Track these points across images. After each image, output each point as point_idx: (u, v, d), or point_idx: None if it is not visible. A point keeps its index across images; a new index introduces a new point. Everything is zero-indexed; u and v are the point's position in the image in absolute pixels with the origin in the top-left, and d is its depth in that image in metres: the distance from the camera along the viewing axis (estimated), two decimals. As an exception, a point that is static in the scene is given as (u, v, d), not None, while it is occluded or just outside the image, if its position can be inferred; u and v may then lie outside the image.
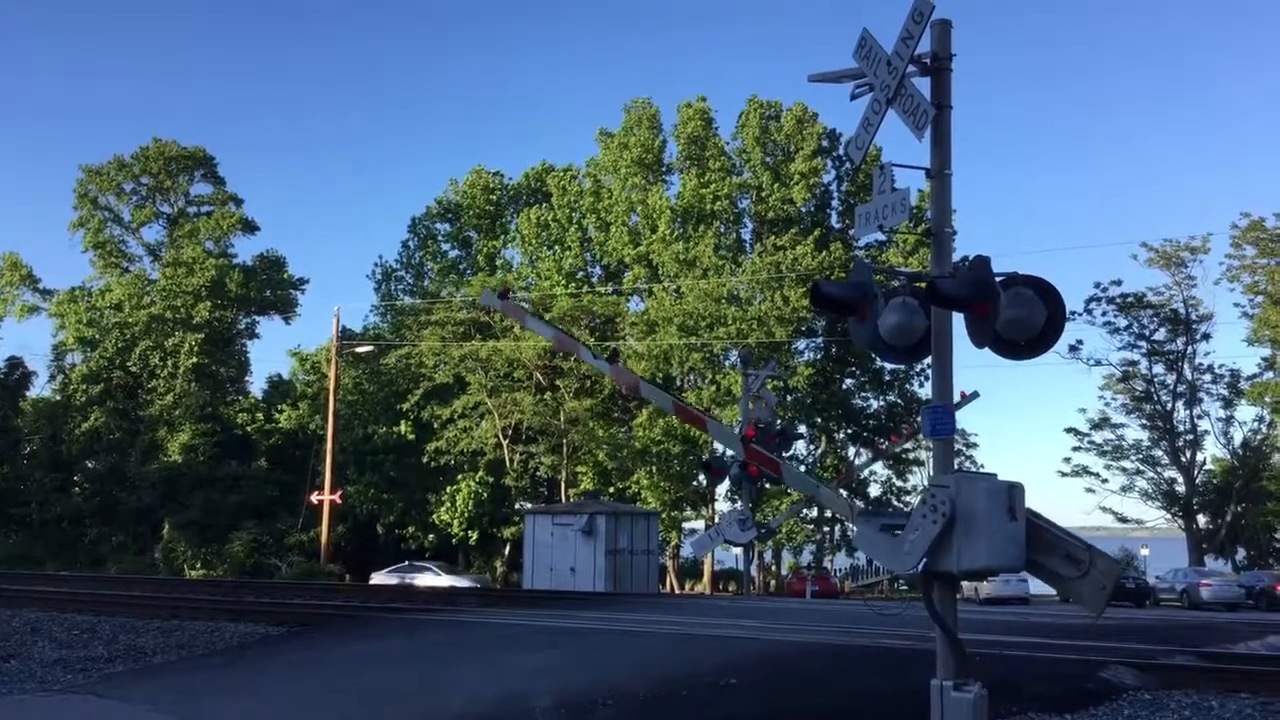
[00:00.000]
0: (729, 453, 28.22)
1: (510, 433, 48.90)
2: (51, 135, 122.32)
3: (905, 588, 43.23)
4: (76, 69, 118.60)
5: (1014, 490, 6.23)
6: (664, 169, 54.39)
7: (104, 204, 59.56)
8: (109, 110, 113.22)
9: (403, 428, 50.56)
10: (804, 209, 51.65)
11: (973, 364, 72.09)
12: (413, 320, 54.16)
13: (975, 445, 55.82)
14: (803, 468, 49.30)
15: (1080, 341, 53.81)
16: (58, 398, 59.40)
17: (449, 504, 48.63)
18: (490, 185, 61.77)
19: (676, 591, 48.15)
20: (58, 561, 48.40)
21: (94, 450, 55.99)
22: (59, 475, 56.71)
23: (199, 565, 46.64)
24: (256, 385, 61.80)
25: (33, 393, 63.33)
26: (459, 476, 48.64)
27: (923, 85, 6.87)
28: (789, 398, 48.02)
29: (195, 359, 54.63)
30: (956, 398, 7.43)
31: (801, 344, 51.18)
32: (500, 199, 62.24)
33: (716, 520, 41.59)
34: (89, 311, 58.04)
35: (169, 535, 48.35)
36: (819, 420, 51.28)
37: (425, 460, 48.47)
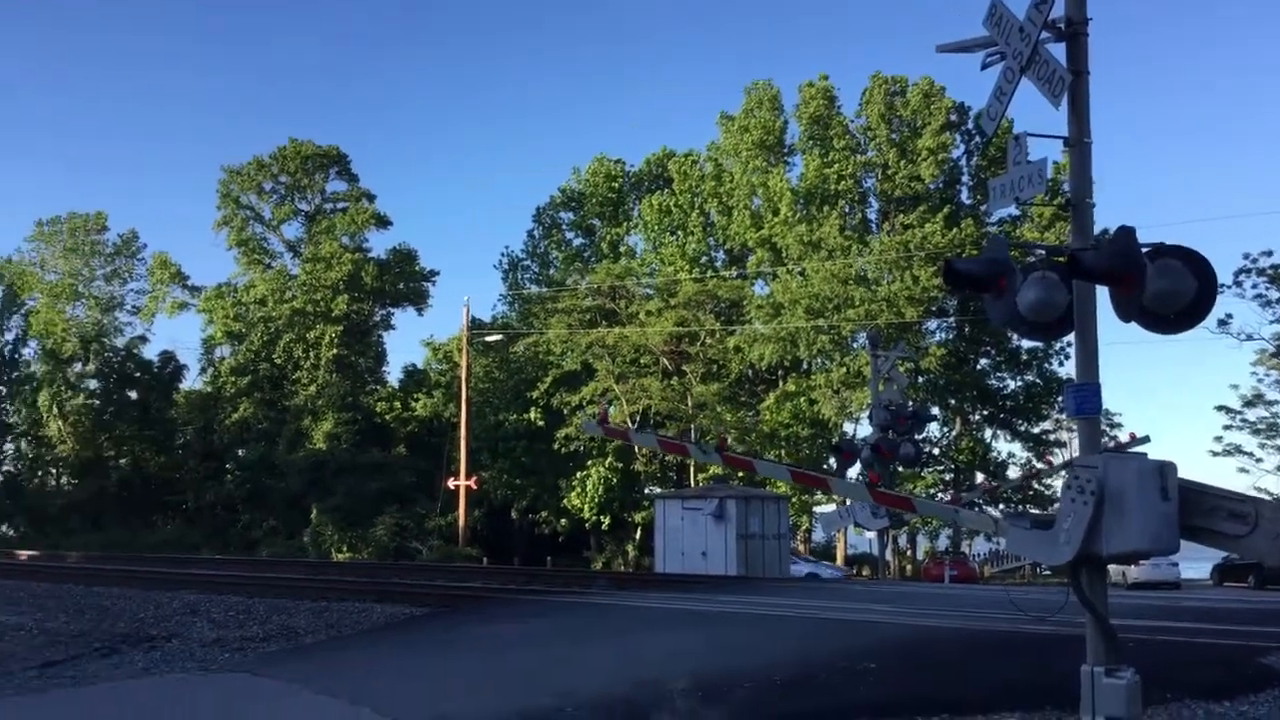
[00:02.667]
0: (860, 435, 27.88)
1: (638, 418, 49.21)
2: (195, 135, 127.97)
3: (1048, 573, 42.03)
4: (215, 69, 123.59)
5: (1166, 469, 5.99)
6: (786, 150, 53.84)
7: (245, 203, 62.07)
8: (247, 110, 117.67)
9: (533, 415, 51.43)
10: (932, 186, 50.49)
11: (1115, 340, 69.42)
12: (539, 308, 54.96)
13: (1119, 425, 53.80)
14: (935, 450, 48.35)
15: (1230, 315, 51.29)
16: (209, 390, 62.36)
17: (580, 489, 49.28)
18: (612, 173, 62.15)
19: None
20: (212, 546, 50.76)
21: (244, 439, 58.52)
22: (211, 464, 59.55)
23: (345, 548, 48.34)
24: (393, 375, 63.75)
25: (185, 385, 66.69)
26: (589, 462, 49.23)
27: (1057, 51, 6.64)
28: (920, 379, 47.12)
29: (335, 350, 56.57)
30: (1107, 399, 7.15)
31: (933, 324, 50.12)
32: (622, 186, 62.58)
33: (848, 501, 41.05)
34: (235, 307, 60.61)
35: (316, 520, 50.24)
36: (953, 402, 50.17)
37: (555, 447, 49.21)
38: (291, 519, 54.52)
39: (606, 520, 49.85)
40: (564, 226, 64.41)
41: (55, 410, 65.23)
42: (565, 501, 49.96)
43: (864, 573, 46.73)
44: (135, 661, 14.70)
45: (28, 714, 11.98)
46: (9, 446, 75.03)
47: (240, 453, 59.72)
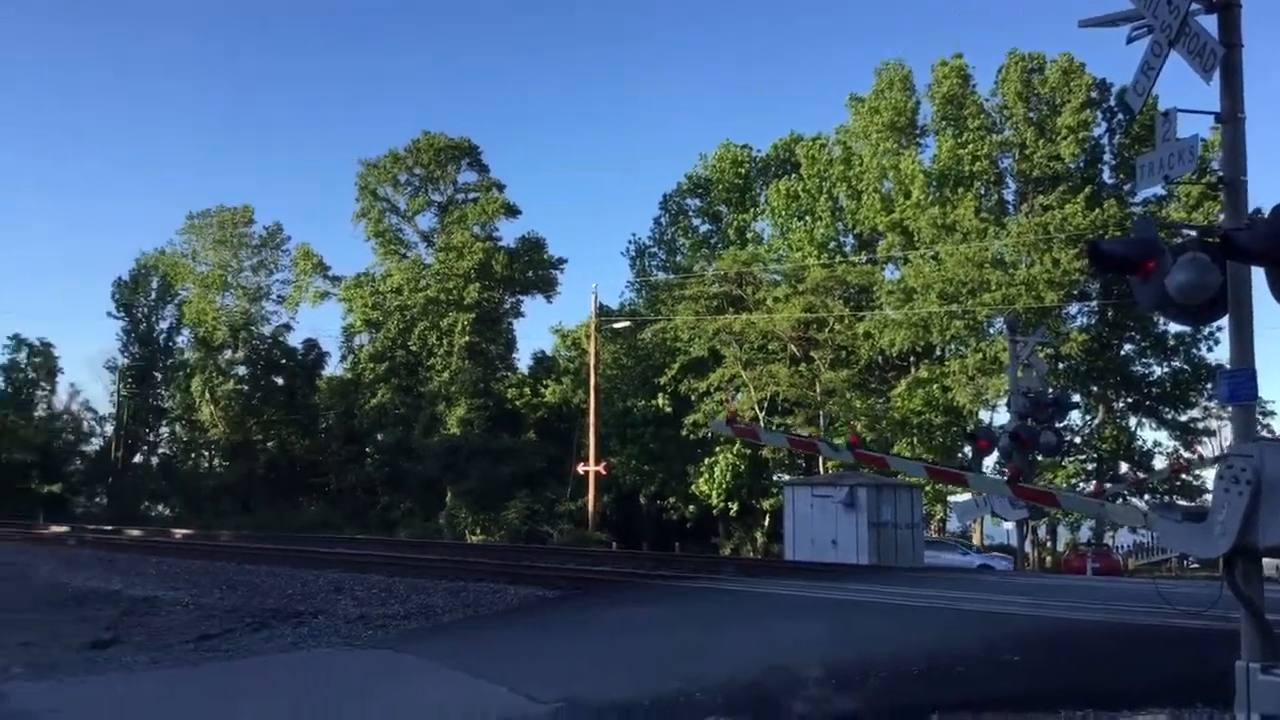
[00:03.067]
0: (997, 422, 27.16)
1: (766, 405, 48.98)
2: (335, 130, 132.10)
3: (1195, 566, 40.29)
4: (351, 66, 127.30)
5: (1327, 458, 5.69)
6: (917, 132, 52.67)
7: (382, 195, 63.89)
8: (384, 103, 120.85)
9: (660, 401, 51.67)
10: (1073, 165, 48.71)
11: (1273, 325, 65.84)
12: (667, 295, 55.11)
13: (1273, 414, 51.20)
14: (1077, 439, 46.79)
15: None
16: (349, 376, 64.57)
17: (707, 476, 49.33)
18: (739, 158, 61.82)
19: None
20: (353, 527, 52.52)
21: (382, 424, 60.41)
22: (352, 447, 61.68)
23: (478, 531, 49.46)
24: (523, 361, 64.85)
25: (327, 372, 69.24)
26: (716, 448, 49.23)
27: (1207, 24, 6.35)
28: (1061, 365, 45.65)
29: (467, 338, 57.85)
30: (1262, 385, 6.83)
31: (1074, 308, 48.42)
32: (749, 171, 62.20)
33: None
34: (373, 295, 62.51)
35: (451, 503, 51.56)
36: (1095, 389, 48.42)
37: (683, 433, 49.35)
38: (428, 501, 56.02)
39: (734, 507, 49.80)
40: (691, 213, 64.43)
41: (207, 395, 68.50)
42: (693, 488, 50.08)
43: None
44: (284, 636, 15.36)
45: (185, 685, 12.65)
46: (165, 430, 79.19)
47: (379, 437, 61.68)
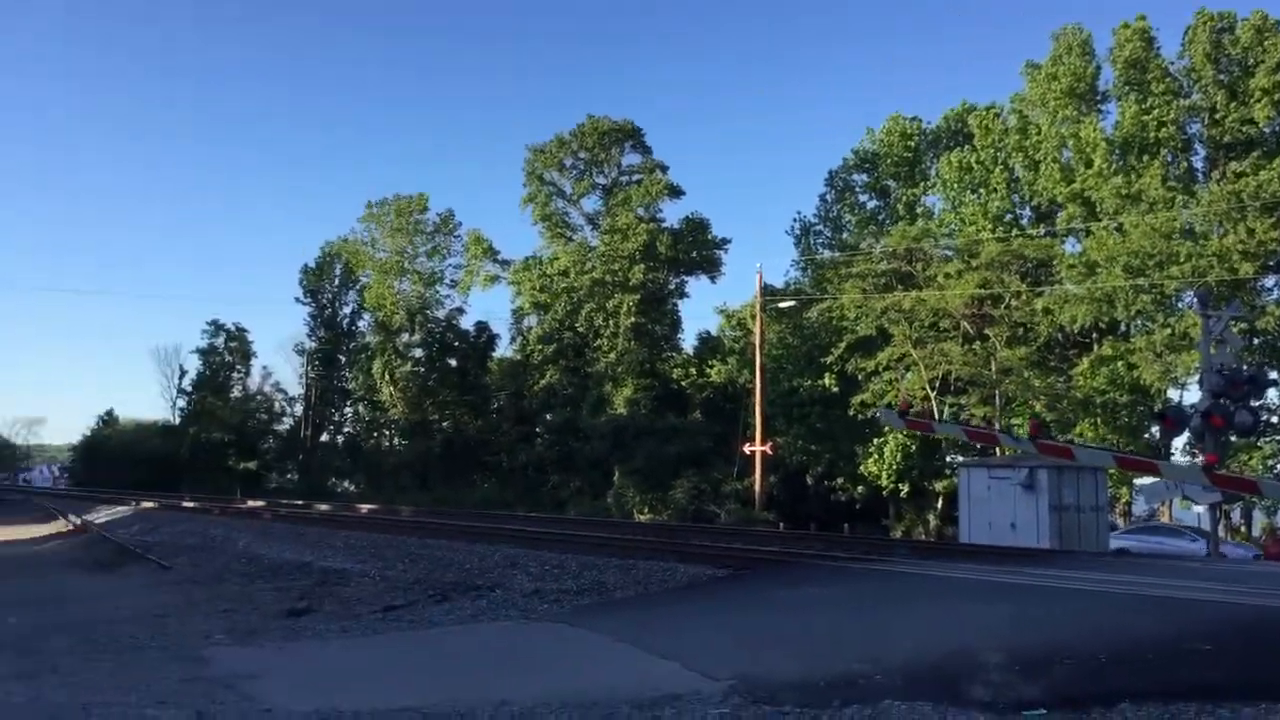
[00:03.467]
0: (1187, 401, 25.74)
1: (938, 384, 47.73)
2: (503, 119, 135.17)
3: None
4: (520, 55, 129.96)
5: None
6: (1098, 98, 50.21)
7: (548, 180, 65.04)
8: (549, 90, 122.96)
9: (827, 380, 51.02)
10: (1268, 129, 45.60)
11: None
12: (833, 273, 54.27)
13: None
14: (1275, 418, 43.99)
15: None
16: (518, 357, 66.23)
17: (877, 456, 48.48)
18: (908, 131, 60.23)
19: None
20: (524, 504, 53.87)
21: (551, 404, 61.72)
22: (523, 427, 63.29)
23: (646, 509, 49.99)
24: (688, 342, 65.07)
25: (497, 353, 71.22)
26: (886, 429, 48.30)
27: None
28: (1256, 340, 42.90)
29: (633, 319, 58.43)
30: None
31: (1270, 280, 45.42)
32: (919, 144, 60.53)
33: (1174, 473, 37.91)
34: (540, 279, 63.82)
35: (619, 481, 52.27)
36: (1294, 365, 45.38)
37: (851, 413, 48.61)
38: (596, 480, 56.96)
39: (905, 488, 48.80)
40: (858, 189, 63.19)
41: (387, 377, 71.45)
42: (862, 468, 49.30)
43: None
44: (464, 608, 15.88)
45: (374, 652, 13.23)
46: (349, 410, 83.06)
47: (548, 416, 63.03)
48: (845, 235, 60.99)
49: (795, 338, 55.21)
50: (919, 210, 58.63)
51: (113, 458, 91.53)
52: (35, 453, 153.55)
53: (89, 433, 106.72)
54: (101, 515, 47.69)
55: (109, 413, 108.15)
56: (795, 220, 64.85)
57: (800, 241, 64.08)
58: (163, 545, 31.20)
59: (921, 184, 59.64)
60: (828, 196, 63.59)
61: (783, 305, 54.22)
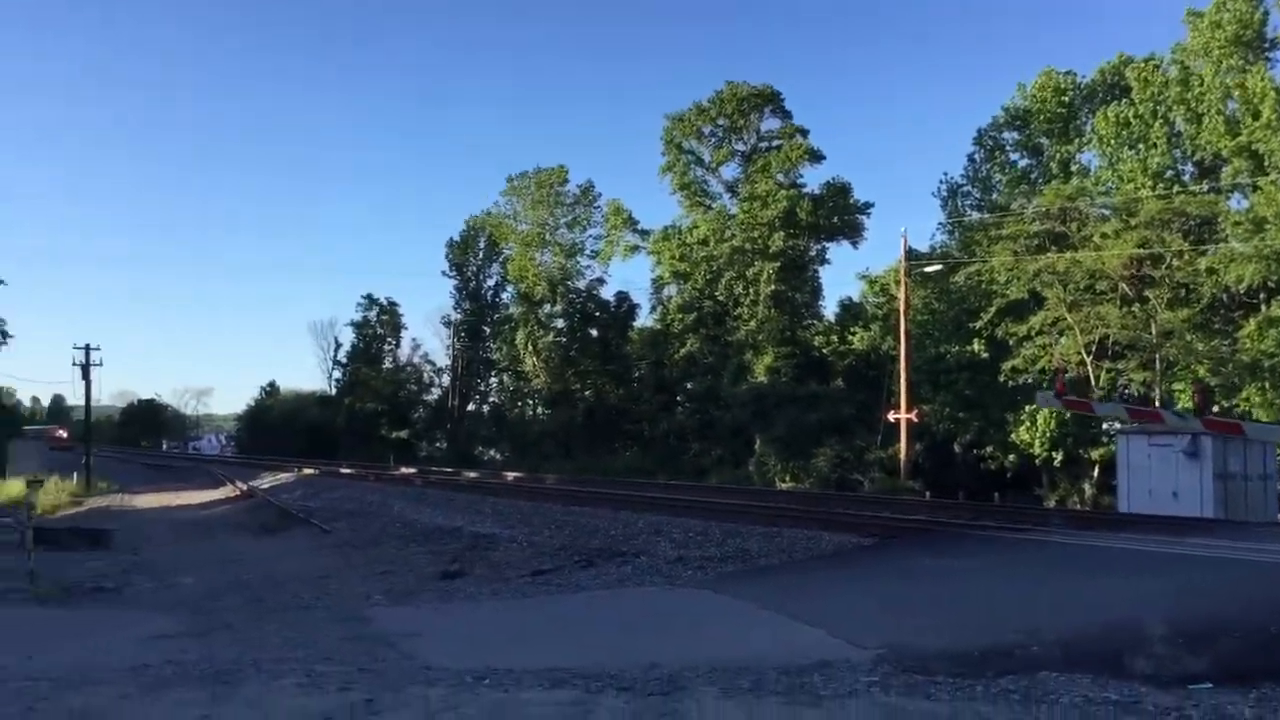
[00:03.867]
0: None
1: (1094, 348, 45.88)
2: (641, 89, 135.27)
3: None
4: (653, 22, 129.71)
5: None
6: (1266, 45, 47.15)
7: (687, 148, 64.80)
8: (685, 56, 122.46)
9: (975, 346, 49.63)
10: None
11: None
12: (982, 235, 52.57)
13: None
14: None
15: None
16: (659, 326, 66.52)
17: (1029, 423, 46.96)
18: (1061, 86, 57.71)
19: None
20: (666, 473, 54.24)
21: (691, 373, 61.85)
22: (663, 396, 63.63)
23: (787, 478, 49.73)
24: (829, 309, 64.20)
25: (638, 323, 71.70)
26: (1038, 395, 46.74)
27: None
28: None
29: (773, 286, 57.96)
30: None
31: None
32: (1073, 100, 57.94)
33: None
34: (680, 247, 63.80)
35: (760, 450, 52.11)
36: None
37: (1001, 379, 47.21)
38: (737, 448, 56.92)
39: (1059, 456, 47.15)
40: (1008, 148, 60.93)
41: (530, 348, 72.78)
42: (1013, 436, 47.84)
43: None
44: (609, 574, 16.14)
45: (524, 614, 13.56)
46: (494, 380, 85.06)
47: (688, 385, 63.21)
48: (995, 196, 58.96)
49: (942, 303, 53.78)
50: (1073, 168, 56.10)
51: (274, 427, 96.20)
52: (204, 422, 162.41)
53: (252, 403, 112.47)
54: (265, 481, 50.15)
55: (271, 384, 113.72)
56: (941, 182, 63.05)
57: (947, 203, 62.29)
58: (323, 510, 32.66)
59: (1076, 141, 57.07)
60: (976, 156, 61.55)
61: (928, 269, 52.80)
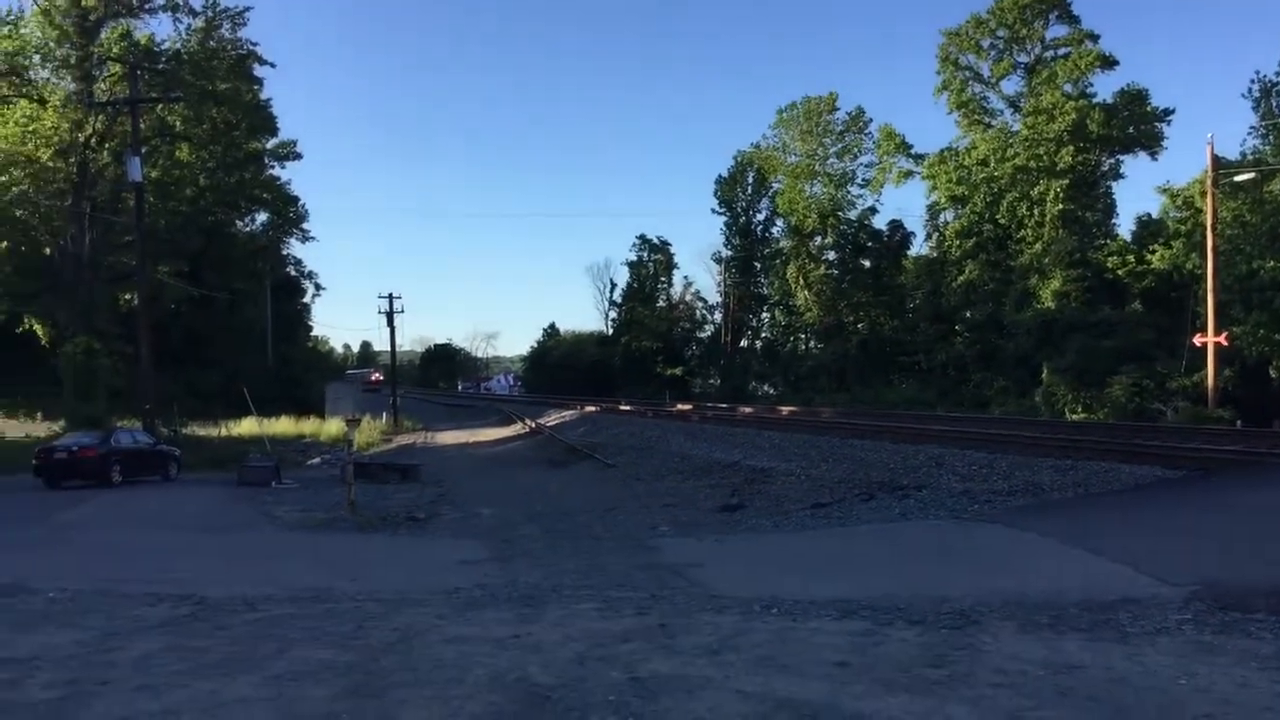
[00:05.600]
0: None
1: None
2: (907, 5, 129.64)
3: None
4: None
5: None
6: None
7: (964, 64, 61.75)
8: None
9: (1295, 261, 44.90)
10: None
11: None
12: (1304, 137, 47.23)
13: None
14: None
15: None
16: (934, 254, 64.26)
17: (1360, 344, 42.20)
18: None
19: None
20: (945, 404, 52.68)
21: (971, 301, 59.49)
22: (941, 326, 61.62)
23: (1079, 409, 47.14)
24: (1124, 227, 59.78)
25: (912, 252, 69.57)
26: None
27: None
28: None
29: (1061, 206, 54.69)
30: None
31: None
32: None
33: None
34: (957, 170, 61.15)
35: (1048, 379, 49.54)
36: None
37: (1329, 295, 42.56)
38: (1021, 378, 54.39)
39: (1398, 380, 42.20)
40: (1335, 36, 54.42)
41: (801, 281, 72.25)
42: (1342, 358, 43.20)
43: None
44: (891, 507, 15.91)
45: (805, 546, 13.63)
46: (765, 315, 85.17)
47: (968, 314, 60.83)
48: (1320, 91, 52.80)
49: (1255, 214, 48.82)
50: None
51: (556, 366, 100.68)
52: (492, 364, 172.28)
53: (536, 344, 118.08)
54: (551, 419, 52.70)
55: (551, 325, 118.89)
56: (1254, 81, 56.75)
57: (1260, 105, 56.14)
58: (605, 445, 33.98)
59: None
60: (1294, 49, 55.34)
61: (1239, 178, 47.96)
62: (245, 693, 5.49)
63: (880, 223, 72.61)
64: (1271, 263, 46.47)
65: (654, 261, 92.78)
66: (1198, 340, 42.66)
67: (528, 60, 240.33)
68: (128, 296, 47.52)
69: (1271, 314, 46.07)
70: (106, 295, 47.82)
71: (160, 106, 44.62)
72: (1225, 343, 42.27)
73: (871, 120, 74.07)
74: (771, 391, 75.62)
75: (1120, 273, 53.62)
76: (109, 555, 13.73)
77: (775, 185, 79.63)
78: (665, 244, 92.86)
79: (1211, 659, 5.99)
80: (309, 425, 46.11)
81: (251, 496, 22.61)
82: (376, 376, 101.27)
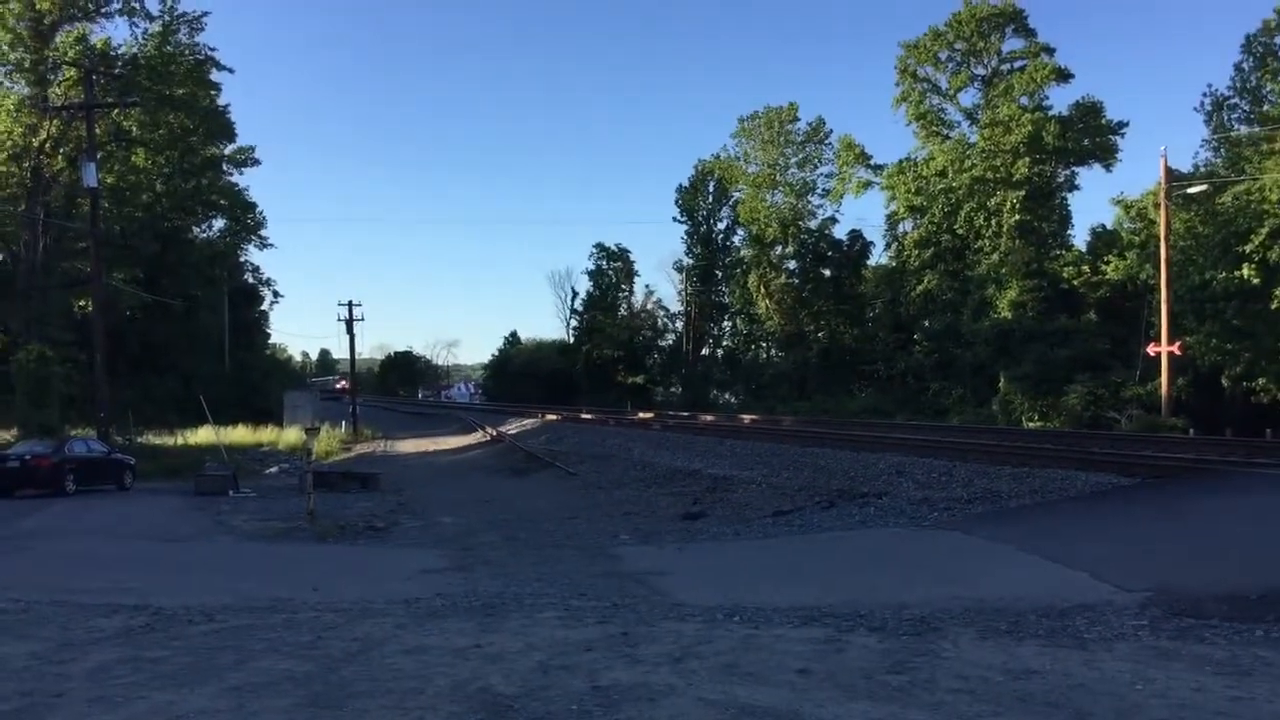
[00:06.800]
0: None
1: (1388, 270, 41.40)
2: (870, 17, 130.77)
3: None
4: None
5: None
6: None
7: (923, 76, 62.37)
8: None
9: (1245, 272, 45.66)
10: None
11: None
12: (1251, 151, 48.17)
13: None
14: None
15: None
16: (894, 264, 64.79)
17: (1309, 354, 43.03)
18: (1348, -22, 51.75)
19: None
20: (904, 413, 53.07)
21: (929, 310, 60.04)
22: (901, 335, 62.12)
23: (1035, 417, 47.71)
24: (1079, 238, 60.61)
25: (872, 261, 70.11)
26: (1320, 322, 42.68)
27: None
28: None
29: (1017, 216, 55.30)
30: None
31: None
32: (1361, -7, 51.85)
33: None
34: (916, 181, 61.74)
35: (1005, 388, 50.12)
36: None
37: (1274, 307, 43.36)
38: (978, 387, 54.97)
39: (1345, 390, 43.06)
40: (1281, 53, 55.37)
41: (762, 290, 72.57)
42: (1289, 368, 44.00)
43: None
44: (852, 515, 16.01)
45: (767, 554, 13.67)
46: (726, 324, 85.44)
47: (926, 323, 61.37)
48: (1266, 107, 53.75)
49: (1207, 226, 49.62)
50: (1360, 70, 50.42)
51: (517, 374, 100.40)
52: (453, 371, 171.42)
53: (497, 352, 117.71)
54: (512, 427, 52.51)
55: (513, 334, 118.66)
56: (1205, 95, 57.77)
57: (1211, 118, 57.15)
58: (567, 454, 33.90)
59: (1363, 39, 51.23)
60: (1245, 65, 56.13)
61: (1191, 190, 48.79)
62: (203, 704, 5.42)
63: (840, 232, 73.10)
64: (1223, 273, 47.24)
65: (614, 270, 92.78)
66: (1151, 350, 43.34)
67: (488, 68, 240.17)
68: (82, 303, 46.84)
69: (1223, 324, 46.86)
70: (61, 302, 47.12)
71: (116, 111, 44.08)
72: (1179, 352, 42.97)
73: (832, 130, 74.68)
74: (733, 400, 75.84)
75: (1076, 283, 54.32)
76: (63, 565, 13.51)
77: (736, 194, 79.95)
78: (625, 252, 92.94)
79: (1167, 664, 6.08)
80: (267, 433, 45.62)
81: (208, 506, 22.34)
82: (343, 384, 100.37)
